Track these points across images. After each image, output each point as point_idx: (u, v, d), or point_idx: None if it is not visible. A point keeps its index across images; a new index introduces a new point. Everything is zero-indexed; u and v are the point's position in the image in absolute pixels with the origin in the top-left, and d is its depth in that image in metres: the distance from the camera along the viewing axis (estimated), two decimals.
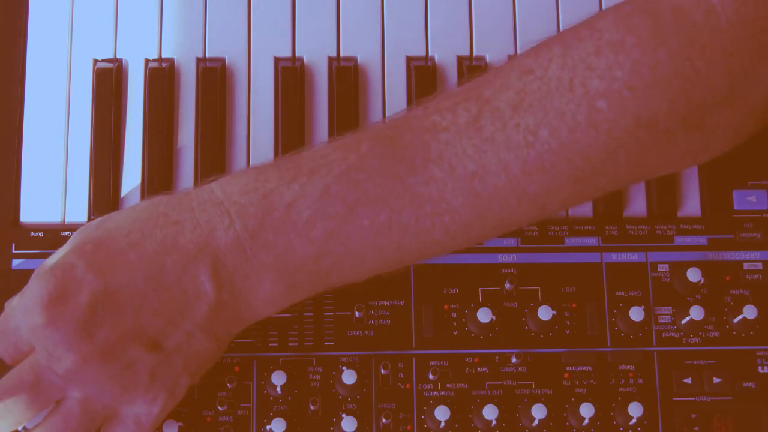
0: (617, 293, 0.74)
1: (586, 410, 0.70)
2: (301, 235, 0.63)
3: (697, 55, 0.61)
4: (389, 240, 0.63)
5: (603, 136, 0.61)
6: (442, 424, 0.71)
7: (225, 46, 0.79)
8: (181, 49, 0.79)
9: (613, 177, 0.64)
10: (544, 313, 0.72)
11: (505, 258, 0.75)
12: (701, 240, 0.76)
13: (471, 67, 0.79)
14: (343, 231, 0.63)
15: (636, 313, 0.72)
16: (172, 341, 0.63)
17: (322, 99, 0.78)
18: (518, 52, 0.80)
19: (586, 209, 0.77)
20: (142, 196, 0.75)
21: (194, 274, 0.63)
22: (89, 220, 0.75)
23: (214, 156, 0.76)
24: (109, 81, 0.77)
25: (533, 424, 0.71)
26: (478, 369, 0.73)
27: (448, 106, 0.63)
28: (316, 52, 0.79)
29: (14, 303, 0.66)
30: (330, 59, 0.79)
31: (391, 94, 0.79)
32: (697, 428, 0.72)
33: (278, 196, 0.63)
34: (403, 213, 0.63)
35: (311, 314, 0.73)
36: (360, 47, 0.80)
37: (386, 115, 0.78)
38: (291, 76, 0.78)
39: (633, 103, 0.61)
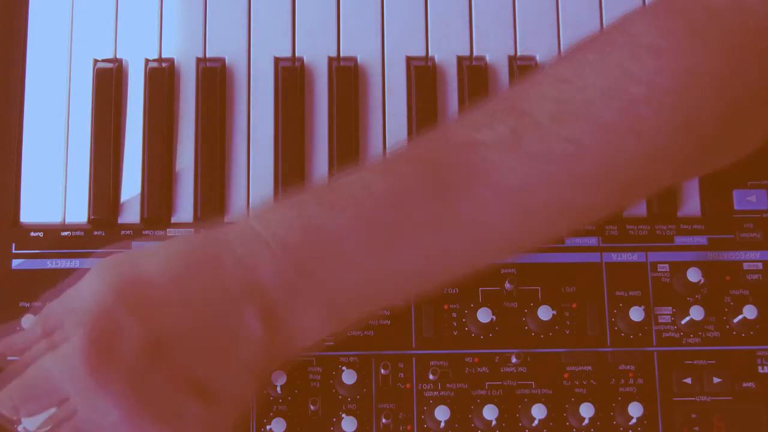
0: (617, 293, 0.74)
1: (586, 410, 0.70)
2: (345, 263, 0.60)
3: (733, 55, 0.60)
4: (435, 263, 0.62)
5: (646, 143, 0.60)
6: (442, 424, 0.71)
7: (225, 46, 0.79)
8: (181, 49, 0.79)
9: (655, 182, 0.63)
10: (544, 313, 0.72)
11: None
12: (701, 240, 0.76)
13: (471, 67, 0.79)
14: (387, 255, 0.61)
15: (636, 313, 0.72)
16: (220, 384, 0.60)
17: (322, 99, 0.78)
18: (518, 52, 0.80)
19: None
20: (142, 197, 0.75)
21: (240, 311, 0.59)
22: (89, 220, 0.75)
23: (214, 156, 0.76)
24: (109, 81, 0.77)
25: (533, 424, 0.71)
26: (478, 369, 0.73)
27: (485, 121, 0.61)
28: (316, 52, 0.79)
29: (42, 347, 0.62)
30: (330, 59, 0.79)
31: (391, 94, 0.79)
32: (697, 428, 0.72)
33: (320, 225, 0.60)
34: (448, 233, 0.61)
35: None
36: (360, 47, 0.80)
37: (386, 115, 0.78)
38: (291, 76, 0.78)
39: (674, 107, 0.59)
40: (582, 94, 0.60)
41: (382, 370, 0.72)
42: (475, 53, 0.80)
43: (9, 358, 0.65)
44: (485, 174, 0.60)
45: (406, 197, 0.60)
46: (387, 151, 0.78)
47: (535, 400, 0.71)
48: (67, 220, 0.75)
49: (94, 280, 0.60)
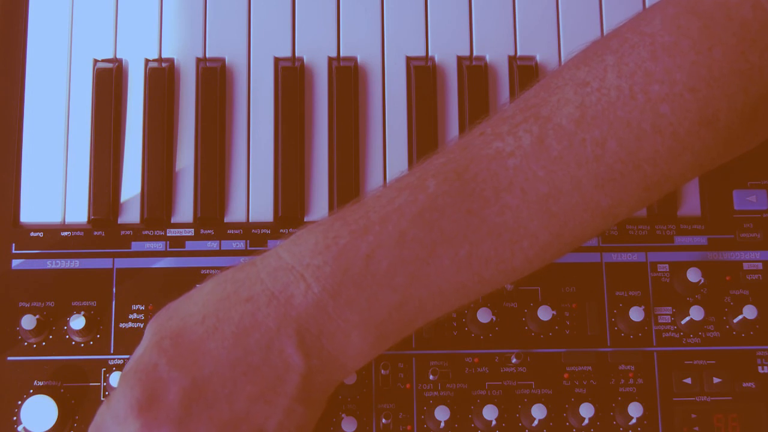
0: (617, 293, 0.74)
1: (586, 410, 0.70)
2: (383, 285, 0.60)
3: (750, 50, 0.60)
4: (470, 274, 0.62)
5: (668, 140, 0.61)
6: (442, 424, 0.71)
7: (225, 46, 0.79)
8: (181, 49, 0.79)
9: (679, 178, 0.64)
10: (544, 313, 0.72)
11: None
12: (701, 240, 0.76)
13: (471, 67, 0.79)
14: (424, 273, 0.61)
15: (636, 313, 0.72)
16: (273, 422, 0.61)
17: (322, 99, 0.78)
18: (518, 52, 0.80)
19: None
20: (142, 197, 0.75)
21: (280, 348, 0.60)
22: (89, 220, 0.75)
23: (214, 156, 0.76)
24: (109, 81, 0.77)
25: (533, 424, 0.71)
26: (478, 369, 0.73)
27: (507, 129, 0.62)
28: (316, 52, 0.79)
29: (102, 409, 0.63)
30: (330, 59, 0.79)
31: (391, 94, 0.79)
32: (697, 428, 0.72)
33: (353, 250, 0.60)
34: (482, 245, 0.61)
35: None
36: (360, 47, 0.80)
37: (386, 115, 0.78)
38: (291, 76, 0.78)
39: (694, 104, 0.60)
40: (603, 96, 0.61)
41: (382, 370, 0.72)
42: (475, 53, 0.80)
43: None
44: (513, 183, 0.61)
45: (435, 213, 0.60)
46: (386, 150, 0.78)
47: (535, 400, 0.71)
48: (67, 220, 0.75)
49: (144, 340, 0.63)
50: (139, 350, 0.62)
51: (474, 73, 0.79)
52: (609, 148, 0.60)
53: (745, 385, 0.73)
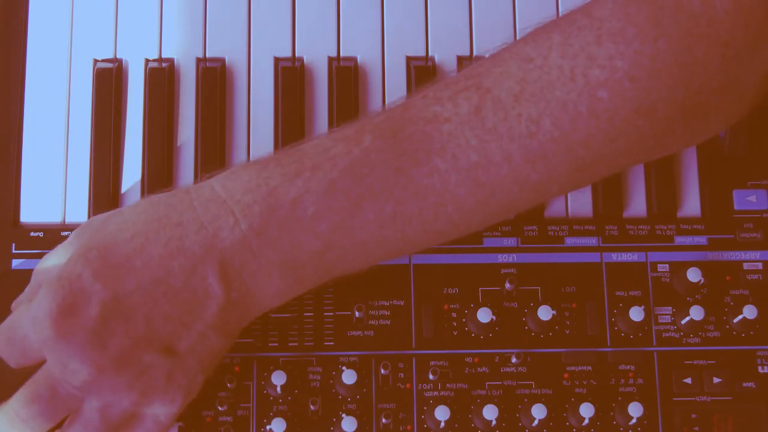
0: (617, 293, 0.74)
1: (586, 410, 0.70)
2: (306, 230, 0.63)
3: (696, 45, 0.61)
4: (393, 231, 0.64)
5: (604, 125, 0.62)
6: (442, 424, 0.71)
7: (225, 46, 0.79)
8: (181, 49, 0.79)
9: (612, 163, 0.65)
10: (544, 313, 0.72)
11: (505, 258, 0.75)
12: (701, 240, 0.76)
13: None
14: (348, 225, 0.63)
15: (636, 313, 0.72)
16: (185, 343, 0.63)
17: (322, 99, 0.78)
18: None
19: (586, 209, 0.77)
20: (142, 197, 0.75)
21: (202, 276, 0.62)
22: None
23: (214, 156, 0.76)
24: (109, 81, 0.77)
25: (533, 424, 0.71)
26: (478, 369, 0.73)
27: (448, 95, 0.63)
28: (316, 52, 0.79)
29: (21, 309, 0.65)
30: (330, 59, 0.79)
31: (391, 94, 0.79)
32: (697, 428, 0.72)
33: (282, 193, 0.62)
34: (408, 205, 0.63)
35: (311, 314, 0.73)
36: (360, 47, 0.80)
37: None
38: (291, 76, 0.78)
39: (633, 92, 0.61)
40: (544, 74, 0.62)
41: (382, 370, 0.72)
42: (475, 53, 0.80)
43: None
44: (445, 148, 0.62)
45: (366, 167, 0.62)
46: None
47: (535, 400, 0.71)
48: (67, 220, 0.75)
49: (68, 246, 0.65)
50: (61, 256, 0.64)
51: None
52: (543, 126, 0.62)
53: (745, 385, 0.73)
